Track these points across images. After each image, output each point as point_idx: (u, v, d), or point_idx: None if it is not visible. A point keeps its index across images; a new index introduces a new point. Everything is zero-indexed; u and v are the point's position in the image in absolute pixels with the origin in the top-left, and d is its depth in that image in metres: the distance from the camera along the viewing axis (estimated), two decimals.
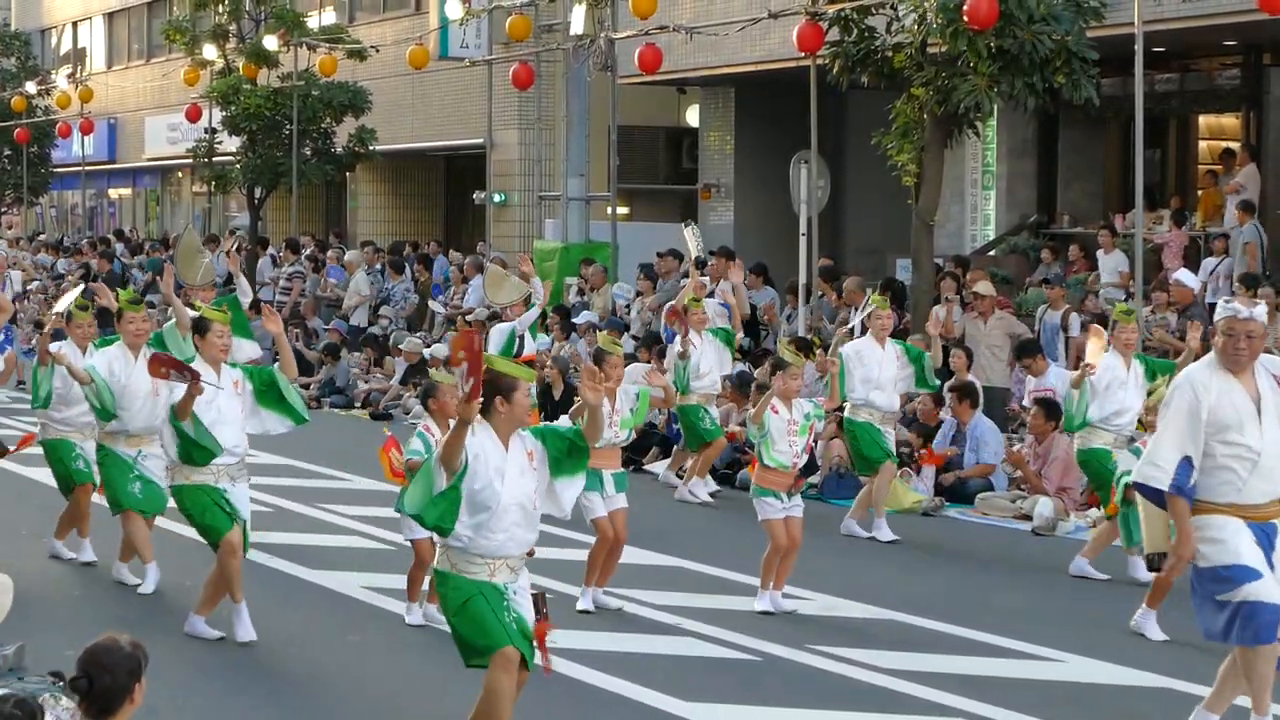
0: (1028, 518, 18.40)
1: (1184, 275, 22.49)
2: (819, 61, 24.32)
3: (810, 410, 14.76)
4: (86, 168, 51.54)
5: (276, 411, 13.00)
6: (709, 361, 19.97)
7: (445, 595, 9.64)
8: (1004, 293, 24.17)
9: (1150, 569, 12.91)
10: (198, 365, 12.70)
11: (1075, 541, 16.99)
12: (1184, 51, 26.99)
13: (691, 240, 22.32)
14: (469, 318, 30.11)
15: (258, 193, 41.08)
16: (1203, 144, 29.30)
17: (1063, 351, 22.95)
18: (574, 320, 27.19)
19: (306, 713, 11.31)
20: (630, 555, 14.50)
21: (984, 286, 23.18)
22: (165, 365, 12.57)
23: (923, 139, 23.31)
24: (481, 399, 9.18)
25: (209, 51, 40.98)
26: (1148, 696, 11.95)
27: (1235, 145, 27.32)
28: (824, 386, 18.94)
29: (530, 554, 9.95)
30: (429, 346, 28.27)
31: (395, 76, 38.01)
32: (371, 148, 39.06)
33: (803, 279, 25.82)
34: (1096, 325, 17.39)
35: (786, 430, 14.33)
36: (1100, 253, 25.38)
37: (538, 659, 9.64)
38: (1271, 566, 9.58)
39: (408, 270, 34.49)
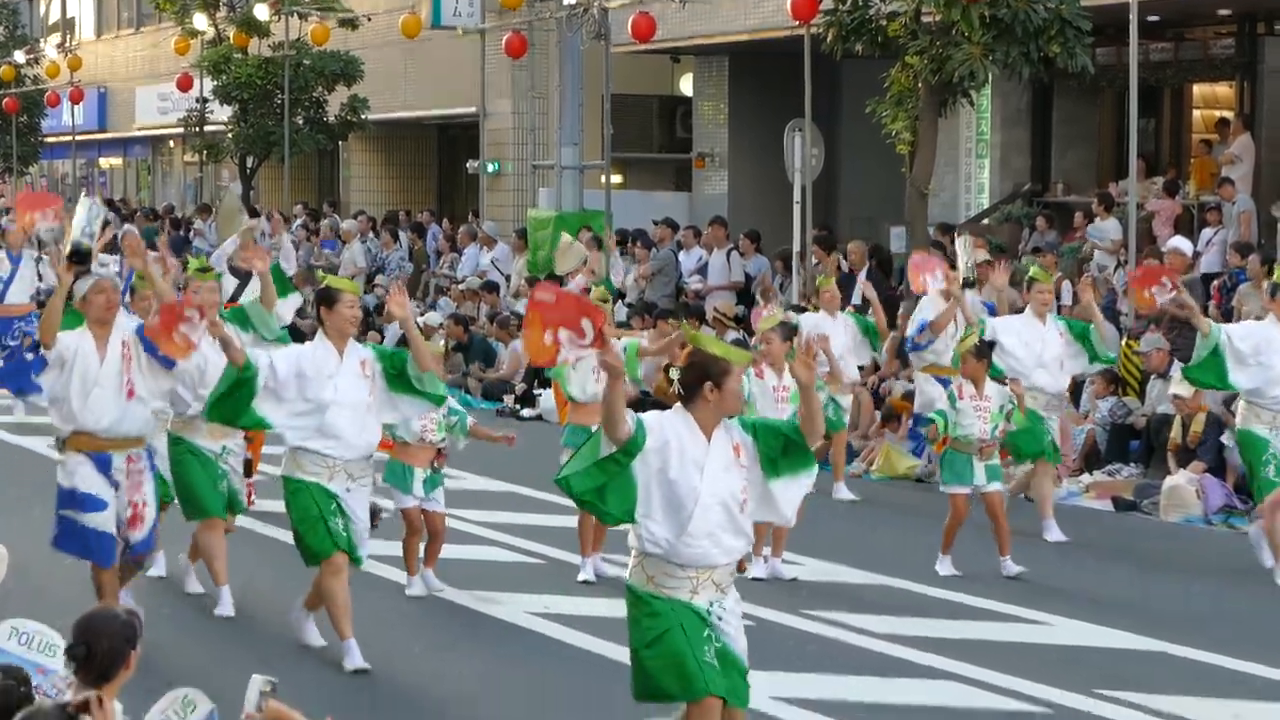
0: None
1: (1180, 242, 22.62)
2: (813, 30, 24.40)
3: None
4: (77, 137, 51.51)
5: (411, 395, 11.45)
6: (838, 345, 18.13)
7: (636, 620, 8.44)
8: (994, 261, 24.31)
9: None
10: (320, 340, 11.36)
11: (1067, 508, 17.19)
12: (1179, 20, 27.06)
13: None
14: (461, 286, 30.28)
15: (250, 162, 41.16)
16: (1197, 113, 29.39)
17: None
18: (568, 288, 27.30)
19: (295, 682, 11.39)
20: None
21: (980, 254, 23.34)
22: (167, 323, 11.21)
23: (917, 108, 23.42)
24: (614, 361, 8.25)
25: (199, 21, 40.92)
26: (1138, 660, 12.16)
27: (1230, 115, 27.42)
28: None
29: (742, 569, 8.99)
30: (423, 315, 28.39)
31: (388, 45, 38.01)
32: (364, 117, 39.11)
33: (796, 247, 25.97)
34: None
35: (774, 397, 14.51)
36: (1097, 219, 25.53)
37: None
38: None
39: (402, 239, 34.63)
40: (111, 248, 15.70)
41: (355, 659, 11.35)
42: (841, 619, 12.86)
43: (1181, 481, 17.55)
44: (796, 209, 26.03)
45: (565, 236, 22.63)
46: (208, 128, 42.67)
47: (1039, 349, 16.13)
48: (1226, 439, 17.61)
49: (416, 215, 38.20)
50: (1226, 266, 22.39)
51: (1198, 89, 29.30)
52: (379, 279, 33.06)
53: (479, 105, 35.32)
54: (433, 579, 13.69)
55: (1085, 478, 18.68)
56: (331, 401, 11.19)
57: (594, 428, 13.78)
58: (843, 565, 14.61)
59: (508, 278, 31.24)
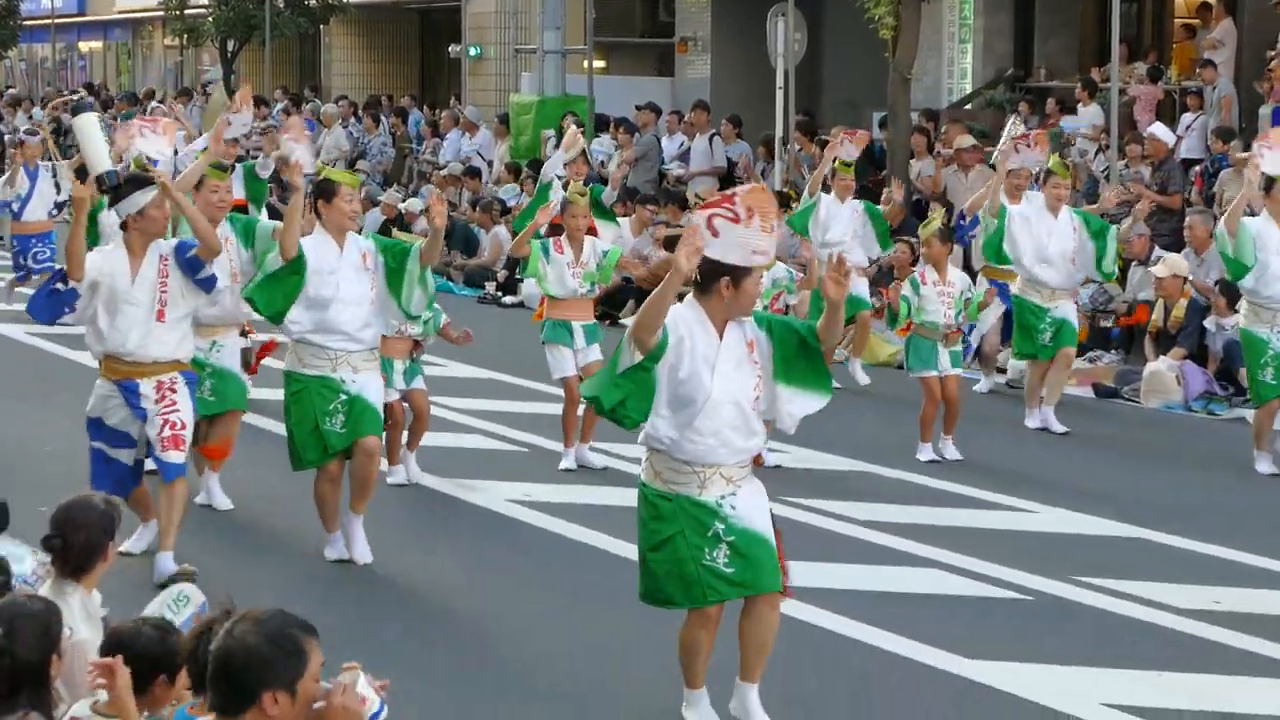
0: (1003, 371, 18.58)
1: (1159, 129, 22.51)
2: None
3: (781, 278, 14.84)
4: (56, 20, 51.16)
5: (396, 301, 11.12)
6: (839, 229, 18.15)
7: (644, 522, 8.26)
8: (981, 146, 24.24)
9: None
10: (318, 235, 11.09)
11: None
12: None
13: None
14: (443, 172, 30.12)
15: (230, 46, 40.85)
16: None
17: None
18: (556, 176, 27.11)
19: (284, 573, 11.44)
20: None
21: (964, 140, 23.29)
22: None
23: None
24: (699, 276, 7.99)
25: None
26: (1119, 547, 12.19)
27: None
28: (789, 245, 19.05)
29: (759, 462, 8.94)
30: (405, 201, 28.26)
31: None
32: (345, 0, 38.85)
33: (779, 133, 25.86)
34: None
35: (939, 299, 14.68)
36: (1078, 105, 25.42)
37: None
38: None
39: (384, 124, 34.44)
40: None
41: (339, 550, 11.33)
42: (823, 505, 12.86)
43: (1162, 368, 17.54)
44: (779, 94, 25.88)
45: (571, 127, 22.35)
46: (188, 11, 42.36)
47: (1045, 242, 15.75)
48: (1209, 324, 17.60)
49: (398, 100, 37.98)
50: (1208, 153, 22.30)
51: None
52: (360, 164, 32.88)
53: None
54: (414, 467, 13.66)
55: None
56: (333, 299, 10.97)
57: (574, 323, 13.61)
58: (825, 452, 14.58)
59: (490, 163, 31.09)
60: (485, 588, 11.20)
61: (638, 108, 28.83)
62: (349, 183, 11.31)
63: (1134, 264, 19.62)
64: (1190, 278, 18.23)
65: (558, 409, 14.35)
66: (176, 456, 10.70)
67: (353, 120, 35.27)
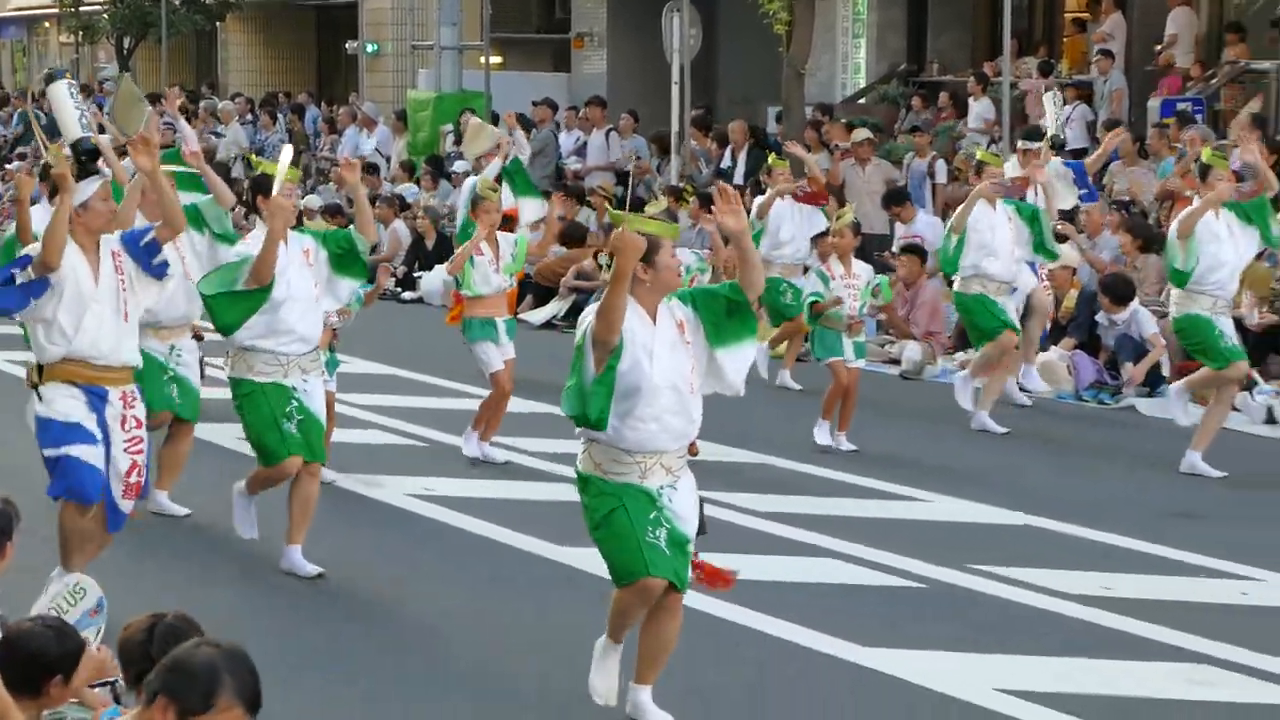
0: (896, 362, 18.70)
1: (1050, 122, 22.66)
2: None
3: (692, 263, 14.93)
4: None
5: (352, 275, 10.99)
6: (790, 228, 17.79)
7: (587, 506, 8.21)
8: (875, 140, 24.36)
9: None
10: (256, 234, 10.73)
11: (942, 385, 17.28)
12: None
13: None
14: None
15: (126, 43, 40.51)
16: None
17: (929, 198, 23.21)
18: (451, 170, 27.09)
19: (184, 573, 11.39)
20: (512, 404, 14.59)
21: (860, 133, 23.40)
22: None
23: None
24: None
25: None
26: (1011, 535, 12.31)
27: None
28: (699, 237, 19.03)
29: (693, 452, 8.96)
30: (303, 198, 28.09)
31: None
32: None
33: (675, 127, 25.90)
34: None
35: (846, 290, 14.73)
36: (970, 99, 25.58)
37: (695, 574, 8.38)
38: None
39: (281, 121, 34.27)
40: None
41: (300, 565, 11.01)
42: (719, 497, 12.80)
43: (1054, 358, 17.69)
44: (675, 89, 25.91)
45: (474, 119, 22.31)
46: (83, 8, 41.97)
47: (988, 236, 15.41)
48: (1101, 318, 17.72)
49: (296, 97, 37.78)
50: (1094, 143, 22.38)
51: None
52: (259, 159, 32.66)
53: None
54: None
55: (960, 354, 18.77)
56: (285, 299, 10.56)
57: (497, 319, 13.62)
58: (725, 445, 14.60)
59: (388, 159, 31.00)
60: (388, 581, 11.13)
61: (534, 103, 28.81)
62: (290, 177, 10.88)
63: None
64: (1077, 270, 18.43)
65: (458, 404, 14.36)
66: (129, 506, 9.85)
67: (249, 117, 35.06)
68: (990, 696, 8.95)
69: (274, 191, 10.57)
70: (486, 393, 14.31)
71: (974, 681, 9.16)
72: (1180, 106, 22.70)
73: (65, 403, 9.57)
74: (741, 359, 8.24)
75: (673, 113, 25.99)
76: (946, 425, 15.85)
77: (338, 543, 11.62)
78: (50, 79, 10.02)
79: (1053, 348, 17.87)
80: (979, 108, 25.06)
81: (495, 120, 28.91)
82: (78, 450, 9.55)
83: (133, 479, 9.71)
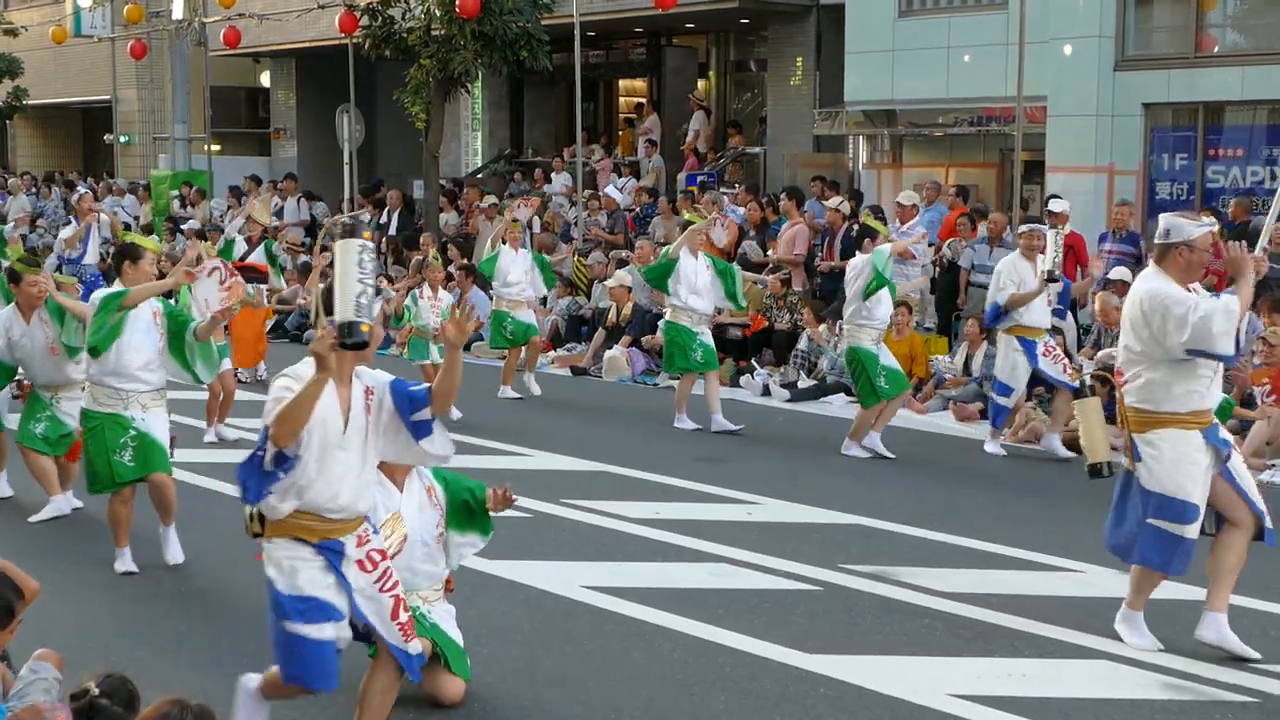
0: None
1: (611, 190, 22.71)
2: (355, 40, 23.77)
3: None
4: None
5: (179, 364, 8.98)
6: (517, 272, 15.59)
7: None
8: (496, 205, 24.05)
9: (1093, 476, 8.31)
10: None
11: (542, 375, 16.81)
12: (608, 34, 27.22)
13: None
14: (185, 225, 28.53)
15: None
16: (622, 99, 29.67)
17: (529, 241, 22.96)
18: (181, 228, 25.95)
19: (79, 579, 9.20)
20: None
21: (488, 200, 23.11)
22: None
23: (430, 96, 23.01)
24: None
25: None
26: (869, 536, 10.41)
27: (644, 100, 27.74)
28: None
29: (450, 588, 6.77)
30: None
31: (42, 49, 35.61)
32: (25, 103, 36.69)
33: (346, 194, 25.54)
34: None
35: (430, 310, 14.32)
36: (554, 174, 25.51)
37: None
38: None
39: (56, 192, 32.60)
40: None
41: (127, 563, 8.85)
42: (605, 508, 10.33)
43: (617, 353, 17.63)
44: (346, 169, 25.57)
45: (256, 198, 21.32)
46: None
47: (694, 280, 13.56)
48: (661, 325, 17.24)
49: (68, 174, 36.05)
50: (639, 202, 22.31)
51: (622, 82, 29.64)
52: (40, 221, 31.02)
53: (112, 93, 33.42)
54: (225, 429, 12.96)
55: (551, 354, 18.62)
56: (127, 347, 8.72)
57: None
58: (568, 456, 12.35)
59: (136, 219, 29.73)
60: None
61: (245, 178, 27.99)
62: (152, 249, 9.04)
63: (595, 281, 19.68)
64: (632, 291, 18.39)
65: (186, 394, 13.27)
66: (417, 646, 5.86)
67: (33, 189, 33.32)
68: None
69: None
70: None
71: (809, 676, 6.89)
72: (700, 178, 23.06)
73: (298, 571, 5.63)
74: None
75: (345, 185, 25.57)
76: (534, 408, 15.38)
77: (219, 542, 9.35)
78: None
79: (616, 346, 17.75)
80: (560, 179, 25.00)
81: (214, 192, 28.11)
82: (315, 631, 5.63)
83: (403, 617, 5.79)
